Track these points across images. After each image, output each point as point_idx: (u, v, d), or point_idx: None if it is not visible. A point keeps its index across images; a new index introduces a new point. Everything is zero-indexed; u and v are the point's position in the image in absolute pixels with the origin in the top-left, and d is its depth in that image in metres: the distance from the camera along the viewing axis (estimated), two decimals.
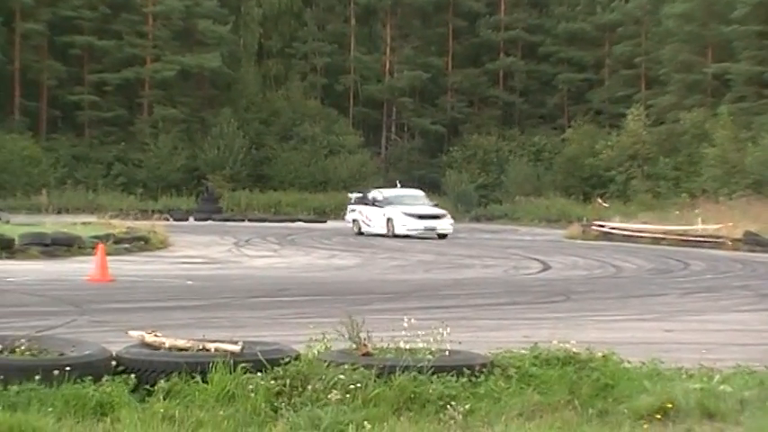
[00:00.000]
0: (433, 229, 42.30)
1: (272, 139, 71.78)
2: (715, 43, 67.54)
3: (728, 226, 39.72)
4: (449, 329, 9.60)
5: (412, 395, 8.36)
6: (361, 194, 47.51)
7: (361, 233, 44.33)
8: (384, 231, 42.72)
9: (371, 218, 44.21)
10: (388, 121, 79.02)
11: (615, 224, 45.89)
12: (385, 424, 7.85)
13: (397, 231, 42.00)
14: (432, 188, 65.64)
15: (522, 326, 14.62)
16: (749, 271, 27.54)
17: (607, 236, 44.00)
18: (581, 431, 7.95)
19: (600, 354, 9.58)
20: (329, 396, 8.20)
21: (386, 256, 32.00)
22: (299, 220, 58.47)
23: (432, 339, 9.40)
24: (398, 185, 48.15)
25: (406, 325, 9.50)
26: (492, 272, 26.81)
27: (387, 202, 44.12)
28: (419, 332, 9.53)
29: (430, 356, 8.98)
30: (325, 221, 58.65)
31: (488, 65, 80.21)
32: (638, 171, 64.89)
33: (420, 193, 47.83)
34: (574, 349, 9.54)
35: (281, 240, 39.51)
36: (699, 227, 41.43)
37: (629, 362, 9.72)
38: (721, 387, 8.97)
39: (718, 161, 57.48)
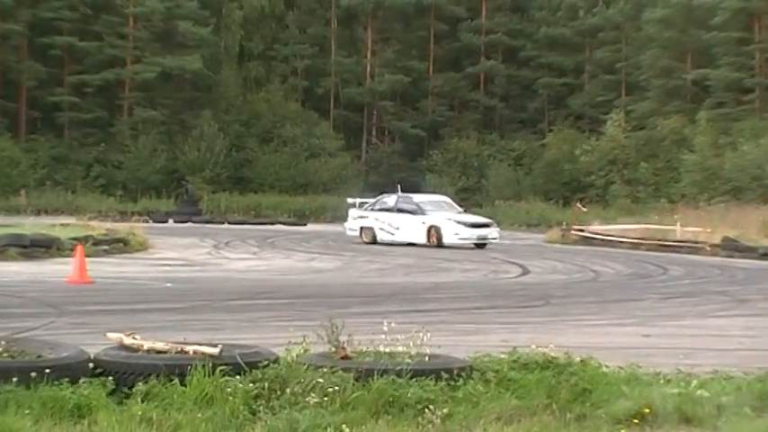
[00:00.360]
0: (484, 238, 38.64)
1: (252, 141, 71.70)
2: (695, 49, 67.82)
3: (707, 231, 39.86)
4: (428, 333, 9.60)
5: (390, 399, 8.37)
6: (370, 199, 43.50)
7: (373, 242, 40.18)
8: (422, 241, 38.64)
9: (400, 225, 39.77)
10: (368, 125, 79.04)
11: (595, 228, 46.02)
12: (363, 427, 7.86)
13: (447, 241, 38.03)
14: (412, 191, 65.54)
15: (501, 330, 14.64)
16: (727, 276, 27.64)
17: (586, 240, 44.13)
18: None
19: (578, 358, 9.62)
20: (307, 399, 8.21)
21: (365, 260, 32.01)
22: (279, 223, 58.37)
23: (411, 343, 9.40)
24: (399, 190, 43.83)
25: (385, 328, 9.51)
26: (471, 276, 26.83)
27: (422, 209, 39.84)
28: (398, 336, 9.54)
29: (409, 360, 8.99)
30: (305, 224, 58.56)
31: (469, 69, 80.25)
32: (618, 176, 65.10)
33: (447, 198, 43.91)
34: (552, 354, 9.58)
35: (260, 243, 39.47)
36: (677, 230, 41.61)
37: (607, 366, 9.74)
38: (699, 392, 9.00)
39: (698, 167, 57.70)
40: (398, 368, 8.71)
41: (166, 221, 56.29)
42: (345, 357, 9.13)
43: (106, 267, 24.88)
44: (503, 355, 9.63)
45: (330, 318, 9.71)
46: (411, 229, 39.41)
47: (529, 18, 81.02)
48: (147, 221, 52.22)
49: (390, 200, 41.75)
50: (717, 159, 57.16)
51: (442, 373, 8.84)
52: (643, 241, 41.04)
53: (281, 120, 72.80)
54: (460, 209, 42.24)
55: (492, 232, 39.44)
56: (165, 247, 34.73)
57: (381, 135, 78.89)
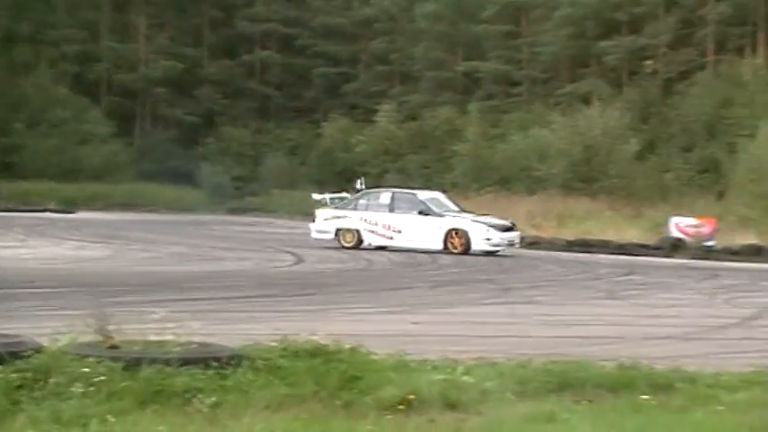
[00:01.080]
0: (512, 244, 33.16)
1: (19, 126, 69.49)
2: (465, 42, 69.35)
3: None
4: (200, 322, 9.57)
5: (158, 388, 8.28)
6: (343, 194, 37.17)
7: (356, 246, 33.57)
8: (436, 246, 32.33)
9: (403, 228, 33.11)
10: (141, 111, 77.84)
11: None
12: (129, 417, 7.76)
13: (476, 247, 32.03)
14: (186, 180, 65.04)
15: (274, 318, 14.67)
16: (495, 265, 28.37)
17: None
18: (327, 422, 8.04)
19: (348, 346, 9.71)
20: (72, 389, 8.04)
21: (137, 248, 31.57)
22: (48, 211, 56.82)
23: (181, 332, 9.33)
24: (361, 184, 37.23)
25: (155, 317, 9.42)
26: (245, 264, 26.80)
27: (432, 209, 33.30)
28: (169, 325, 9.45)
29: (178, 349, 8.91)
30: (74, 212, 57.22)
31: (245, 57, 79.98)
32: (391, 166, 65.89)
33: (442, 194, 36.98)
34: (322, 341, 9.64)
35: (27, 231, 38.42)
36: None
37: (376, 354, 9.86)
38: (463, 378, 9.23)
39: (469, 157, 59.00)
40: (167, 357, 8.63)
41: None
42: (113, 347, 8.99)
43: None
44: (273, 344, 9.65)
45: (98, 306, 9.56)
46: (420, 232, 32.96)
47: (305, 7, 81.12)
48: None
49: (383, 197, 34.69)
50: (487, 150, 58.60)
51: (212, 361, 8.80)
52: None
53: (50, 104, 70.87)
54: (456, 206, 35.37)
55: (517, 237, 33.78)
56: None
57: (155, 122, 77.80)
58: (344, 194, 37.09)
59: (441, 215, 33.09)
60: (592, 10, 61.62)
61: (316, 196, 37.84)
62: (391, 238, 33.48)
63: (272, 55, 79.70)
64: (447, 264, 28.56)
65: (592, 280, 24.52)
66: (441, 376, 9.20)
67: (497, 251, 32.63)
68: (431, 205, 33.66)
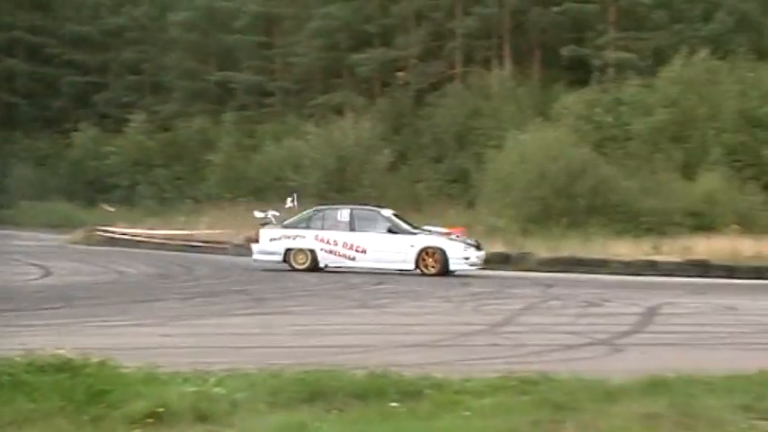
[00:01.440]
0: (483, 263, 30.87)
1: None
2: (218, 52, 69.05)
3: (231, 232, 40.67)
4: None
5: None
6: (278, 213, 32.77)
7: (312, 269, 30.20)
8: (407, 267, 29.67)
9: (369, 247, 30.07)
10: None
11: (120, 229, 45.83)
12: None
13: (454, 267, 29.69)
14: None
15: (20, 333, 14.29)
16: (248, 276, 28.36)
17: (112, 241, 43.93)
18: None
19: (95, 360, 9.54)
20: None
21: None
22: None
23: None
24: (292, 201, 33.71)
25: None
26: None
27: (399, 226, 30.74)
28: None
29: None
30: None
31: None
32: (143, 177, 65.01)
33: (391, 212, 32.53)
34: (69, 355, 9.45)
35: None
36: (203, 232, 42.20)
37: (126, 367, 9.73)
38: (215, 389, 9.18)
39: (223, 167, 58.81)
40: None
41: None
42: None
43: None
44: (18, 359, 9.41)
45: None
46: (389, 251, 30.08)
47: (52, 15, 79.16)
48: None
49: (342, 214, 31.24)
50: (241, 161, 58.54)
51: None
52: (169, 241, 41.36)
53: None
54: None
55: (484, 256, 31.17)
56: None
57: None
58: (275, 212, 33.34)
59: (412, 233, 30.50)
60: (343, 22, 62.27)
61: (258, 214, 33.13)
62: (353, 258, 30.46)
63: (18, 63, 77.39)
64: (202, 275, 28.41)
65: (344, 289, 24.74)
66: (192, 388, 9.12)
67: (468, 272, 29.94)
68: (395, 221, 31.04)
